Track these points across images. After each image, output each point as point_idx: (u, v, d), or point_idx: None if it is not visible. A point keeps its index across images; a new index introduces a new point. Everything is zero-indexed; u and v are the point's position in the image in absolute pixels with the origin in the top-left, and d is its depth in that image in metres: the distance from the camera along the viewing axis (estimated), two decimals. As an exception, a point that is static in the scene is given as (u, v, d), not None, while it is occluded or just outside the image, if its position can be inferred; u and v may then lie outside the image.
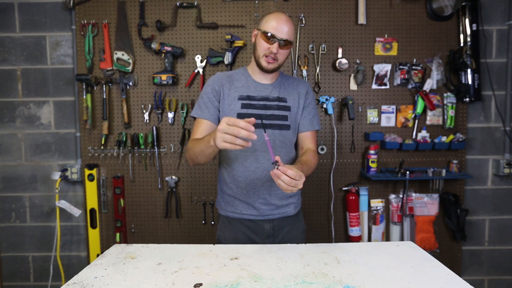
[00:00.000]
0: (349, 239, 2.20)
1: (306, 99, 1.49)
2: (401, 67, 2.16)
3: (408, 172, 2.11)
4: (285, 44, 1.35)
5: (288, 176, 1.07)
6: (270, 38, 1.34)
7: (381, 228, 2.23)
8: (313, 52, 2.17)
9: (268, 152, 1.38)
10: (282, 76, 1.52)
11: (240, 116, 1.38)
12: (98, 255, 2.10)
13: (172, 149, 2.20)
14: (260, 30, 1.38)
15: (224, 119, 1.03)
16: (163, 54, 2.11)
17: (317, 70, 2.17)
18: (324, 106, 2.16)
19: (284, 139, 1.43)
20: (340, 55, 2.16)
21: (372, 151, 2.12)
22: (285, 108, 1.44)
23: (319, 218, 2.26)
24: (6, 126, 2.23)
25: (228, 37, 2.11)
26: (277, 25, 1.33)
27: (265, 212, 1.44)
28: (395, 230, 2.23)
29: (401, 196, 2.20)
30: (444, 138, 2.16)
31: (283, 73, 1.56)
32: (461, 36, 2.17)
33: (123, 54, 2.13)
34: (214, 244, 1.23)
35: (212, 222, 2.24)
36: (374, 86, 2.19)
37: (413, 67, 2.16)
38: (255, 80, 1.46)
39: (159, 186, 2.21)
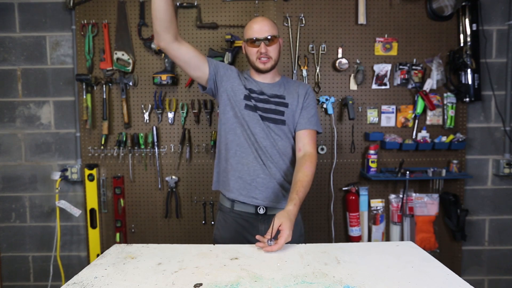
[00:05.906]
0: (349, 239, 2.20)
1: (305, 100, 1.53)
2: (401, 67, 2.16)
3: (408, 172, 2.11)
4: (271, 40, 1.44)
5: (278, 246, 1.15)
6: (255, 42, 1.44)
7: (381, 228, 2.23)
8: (313, 52, 2.17)
9: (270, 158, 1.46)
10: (284, 79, 1.59)
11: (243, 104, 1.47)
12: (98, 255, 2.09)
13: (172, 149, 2.20)
14: (244, 40, 1.50)
15: None
16: (163, 54, 2.11)
17: (317, 70, 2.17)
18: (324, 106, 2.16)
19: (280, 133, 1.48)
20: (340, 55, 2.16)
21: (372, 151, 2.12)
22: (282, 104, 1.50)
23: (319, 218, 2.26)
24: (6, 126, 2.23)
25: (228, 37, 2.11)
26: (256, 27, 1.44)
27: (258, 196, 1.45)
28: (395, 230, 2.23)
29: (401, 196, 2.20)
30: (444, 138, 2.16)
31: (286, 77, 1.63)
32: (461, 36, 2.17)
33: (123, 54, 2.13)
34: (214, 244, 1.23)
35: (212, 222, 2.24)
36: (374, 86, 2.19)
37: (413, 67, 2.16)
38: (256, 80, 1.53)
39: (159, 186, 2.21)
